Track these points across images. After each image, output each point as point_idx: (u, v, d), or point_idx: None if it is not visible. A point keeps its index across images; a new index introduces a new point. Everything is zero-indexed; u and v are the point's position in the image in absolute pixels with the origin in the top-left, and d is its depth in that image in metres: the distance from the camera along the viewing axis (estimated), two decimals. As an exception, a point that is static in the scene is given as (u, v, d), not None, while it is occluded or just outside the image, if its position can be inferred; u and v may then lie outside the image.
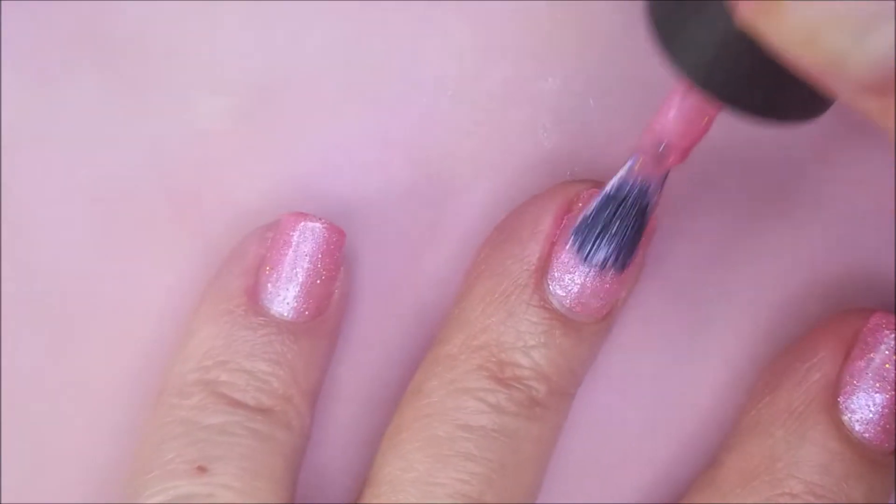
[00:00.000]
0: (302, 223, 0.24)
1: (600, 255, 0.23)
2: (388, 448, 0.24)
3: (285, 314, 0.24)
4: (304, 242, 0.24)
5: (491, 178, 0.26)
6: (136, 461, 0.24)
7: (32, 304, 0.26)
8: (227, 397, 0.24)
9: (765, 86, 0.20)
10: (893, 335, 0.24)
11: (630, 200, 0.23)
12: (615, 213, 0.23)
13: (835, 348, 0.24)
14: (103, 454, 0.26)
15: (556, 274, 0.24)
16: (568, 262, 0.24)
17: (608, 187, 0.23)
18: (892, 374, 0.23)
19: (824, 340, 0.24)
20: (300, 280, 0.24)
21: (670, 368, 0.26)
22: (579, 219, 0.24)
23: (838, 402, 0.24)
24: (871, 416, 0.23)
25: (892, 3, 0.15)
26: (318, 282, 0.24)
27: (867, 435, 0.23)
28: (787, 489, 0.23)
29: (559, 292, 0.24)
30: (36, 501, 0.26)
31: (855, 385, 0.24)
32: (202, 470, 0.23)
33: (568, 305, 0.24)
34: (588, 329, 0.24)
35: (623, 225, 0.23)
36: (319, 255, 0.24)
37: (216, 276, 0.25)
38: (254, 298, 0.24)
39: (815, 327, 0.25)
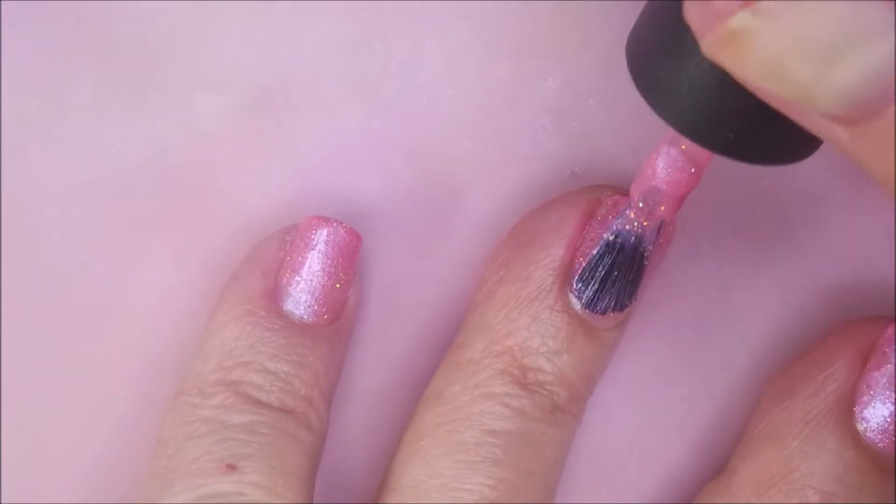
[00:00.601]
0: (322, 227, 0.24)
1: (601, 304, 0.24)
2: (411, 454, 0.24)
3: (305, 317, 0.24)
4: (325, 246, 0.24)
5: (491, 178, 0.26)
6: (157, 461, 0.24)
7: (32, 304, 0.26)
8: (250, 397, 0.24)
9: (749, 126, 0.19)
10: None
11: (626, 251, 0.24)
12: (613, 263, 0.24)
13: (851, 358, 0.24)
14: (104, 454, 0.26)
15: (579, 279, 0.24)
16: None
17: (605, 236, 0.24)
18: None
19: (841, 350, 0.24)
20: (320, 284, 0.24)
21: (676, 371, 0.26)
22: (581, 268, 0.24)
23: (854, 411, 0.24)
24: (886, 425, 0.23)
25: (856, 32, 0.15)
26: (337, 286, 0.24)
27: (881, 444, 0.23)
28: (803, 499, 0.23)
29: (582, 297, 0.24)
30: (36, 501, 0.26)
31: (871, 395, 0.24)
32: (231, 468, 0.23)
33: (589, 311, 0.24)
34: (606, 335, 0.24)
35: (621, 274, 0.24)
36: (339, 260, 0.24)
37: (234, 278, 0.25)
38: (274, 301, 0.24)
39: (830, 335, 0.25)
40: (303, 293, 0.24)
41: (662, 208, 0.23)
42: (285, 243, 0.25)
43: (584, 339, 0.24)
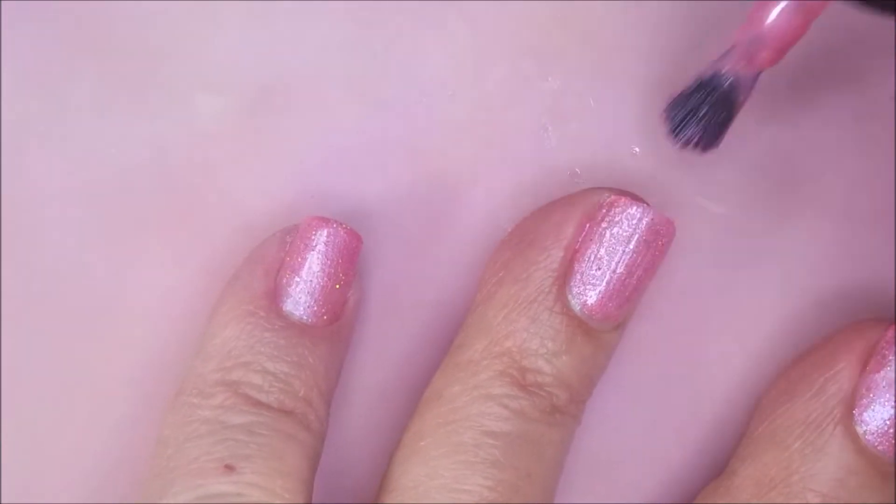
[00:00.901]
0: (322, 228, 0.24)
1: (686, 134, 0.24)
2: (411, 454, 0.24)
3: (305, 318, 0.24)
4: (324, 247, 0.24)
5: (491, 178, 0.26)
6: (157, 461, 0.24)
7: (32, 304, 0.26)
8: (250, 398, 0.24)
9: None
10: None
11: (719, 92, 0.23)
12: (705, 100, 0.23)
13: (852, 360, 0.24)
14: (104, 454, 0.26)
15: (578, 281, 0.24)
16: (590, 268, 0.24)
17: (702, 73, 0.23)
18: None
19: (842, 352, 0.24)
20: (320, 284, 0.24)
21: (676, 373, 0.26)
22: (674, 96, 0.24)
23: (853, 414, 0.24)
24: (886, 428, 0.23)
25: None
26: (337, 287, 0.24)
27: (881, 447, 0.23)
28: (803, 501, 0.23)
29: (581, 299, 0.24)
30: (36, 501, 0.26)
31: (871, 398, 0.24)
32: (230, 469, 0.23)
33: (588, 312, 0.24)
34: (605, 336, 0.24)
35: (710, 112, 0.23)
36: (339, 261, 0.24)
37: (235, 278, 0.25)
38: (274, 301, 0.24)
39: (831, 337, 0.25)
40: (302, 294, 0.24)
41: (764, 55, 0.22)
42: (286, 244, 0.25)
43: (584, 341, 0.24)
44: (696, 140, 0.23)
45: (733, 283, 0.26)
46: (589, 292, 0.24)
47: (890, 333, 0.24)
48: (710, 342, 0.26)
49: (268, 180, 0.26)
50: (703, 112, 0.23)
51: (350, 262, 0.24)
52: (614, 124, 0.26)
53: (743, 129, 0.24)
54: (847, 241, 0.26)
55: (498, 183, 0.26)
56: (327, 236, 0.24)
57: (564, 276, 0.24)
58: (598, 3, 0.26)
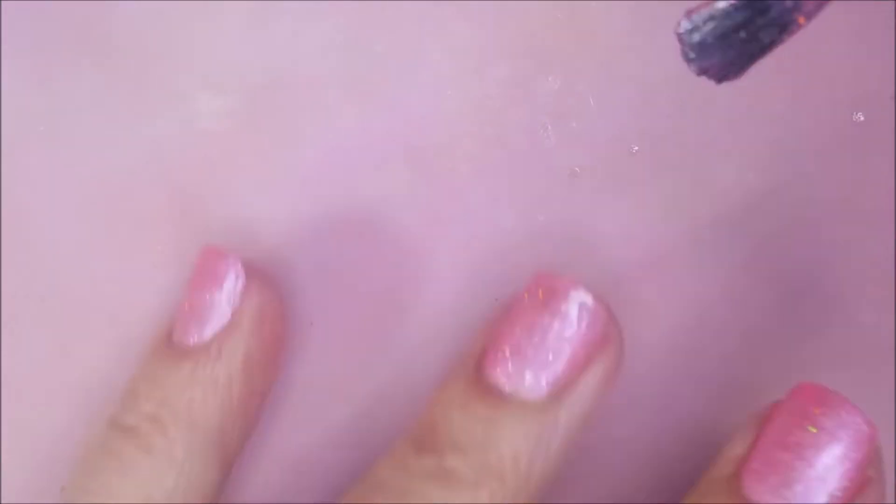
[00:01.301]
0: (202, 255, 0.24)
1: (703, 63, 0.20)
2: None
3: (177, 339, 0.24)
4: (193, 271, 0.24)
5: (491, 178, 0.26)
6: None
7: (32, 304, 0.26)
8: (111, 419, 0.24)
9: None
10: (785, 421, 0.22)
11: (773, 12, 0.19)
12: (747, 23, 0.19)
13: (750, 425, 0.23)
14: (103, 454, 0.26)
15: (491, 353, 0.23)
16: (499, 339, 0.23)
17: None
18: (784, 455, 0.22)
19: (749, 416, 0.23)
20: (187, 306, 0.24)
21: (676, 373, 0.26)
22: (706, 10, 0.19)
23: (741, 475, 0.22)
24: (769, 488, 0.22)
25: None
26: (188, 304, 0.24)
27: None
28: None
29: (479, 360, 0.23)
30: (36, 501, 0.26)
31: (755, 462, 0.22)
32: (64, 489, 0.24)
33: (486, 375, 0.23)
34: (529, 405, 0.22)
35: (749, 34, 0.19)
36: (198, 281, 0.24)
37: None
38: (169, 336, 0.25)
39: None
40: (178, 319, 0.24)
41: None
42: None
43: (481, 405, 0.23)
44: (718, 68, 0.19)
45: (732, 284, 0.26)
46: (489, 357, 0.23)
47: (783, 399, 0.23)
48: (711, 344, 0.26)
49: (267, 180, 0.26)
50: (738, 38, 0.19)
51: (212, 278, 0.24)
52: (614, 124, 0.26)
53: (742, 128, 0.24)
54: (847, 241, 0.26)
55: (498, 183, 0.26)
56: (199, 259, 0.24)
57: (480, 351, 0.23)
58: (597, 3, 0.26)
